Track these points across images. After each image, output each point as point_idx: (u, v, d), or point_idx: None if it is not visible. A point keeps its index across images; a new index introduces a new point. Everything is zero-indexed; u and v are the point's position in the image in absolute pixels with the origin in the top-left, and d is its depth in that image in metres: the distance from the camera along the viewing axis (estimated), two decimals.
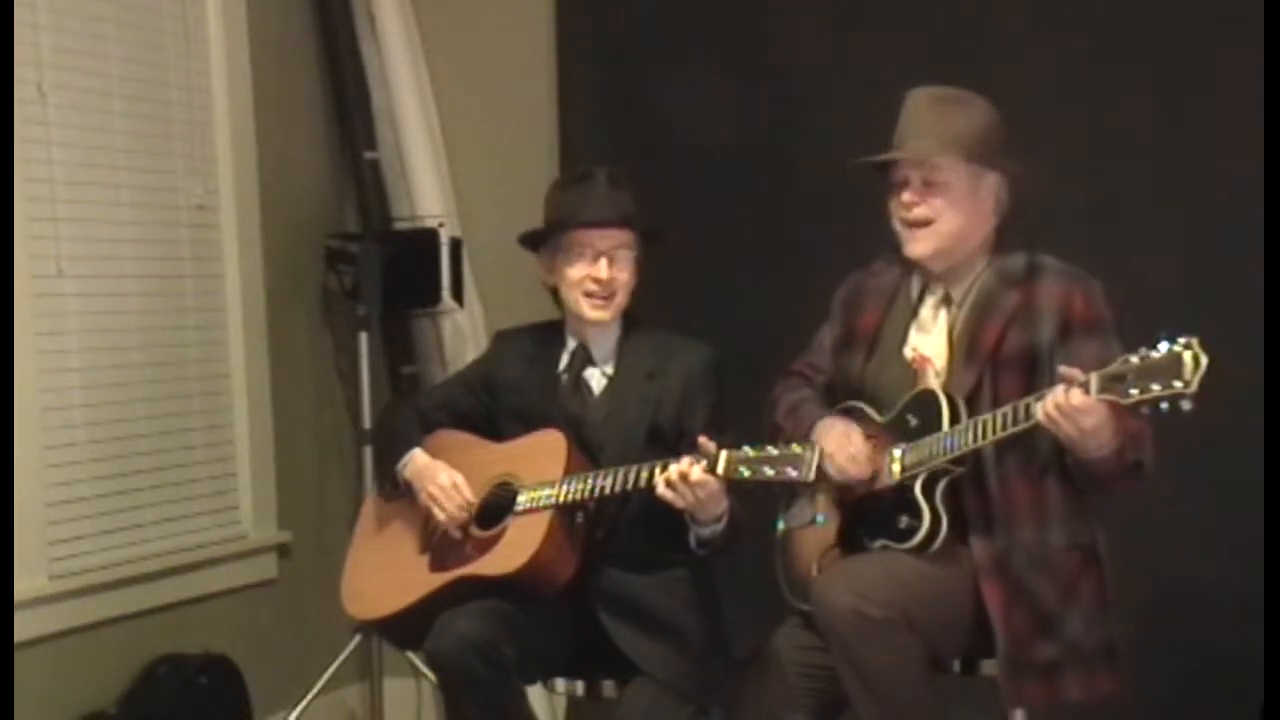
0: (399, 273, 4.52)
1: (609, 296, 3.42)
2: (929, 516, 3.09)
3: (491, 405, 3.58)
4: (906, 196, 3.19)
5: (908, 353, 3.24)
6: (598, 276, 3.40)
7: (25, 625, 3.64)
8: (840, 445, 3.18)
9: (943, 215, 3.17)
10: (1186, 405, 2.75)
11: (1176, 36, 4.06)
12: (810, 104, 4.34)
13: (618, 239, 3.42)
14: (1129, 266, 4.02)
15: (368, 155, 4.77)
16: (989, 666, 3.14)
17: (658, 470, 3.18)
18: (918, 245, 3.20)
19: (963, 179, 3.17)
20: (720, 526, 3.25)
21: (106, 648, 3.98)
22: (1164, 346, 2.78)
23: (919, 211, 3.18)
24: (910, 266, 3.28)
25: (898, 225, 3.23)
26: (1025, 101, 4.13)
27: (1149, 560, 3.86)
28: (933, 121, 3.17)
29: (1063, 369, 2.92)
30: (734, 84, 4.47)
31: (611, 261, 3.41)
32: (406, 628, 3.42)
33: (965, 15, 4.23)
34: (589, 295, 3.42)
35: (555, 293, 3.51)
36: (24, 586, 3.69)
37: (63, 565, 3.86)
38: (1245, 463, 3.46)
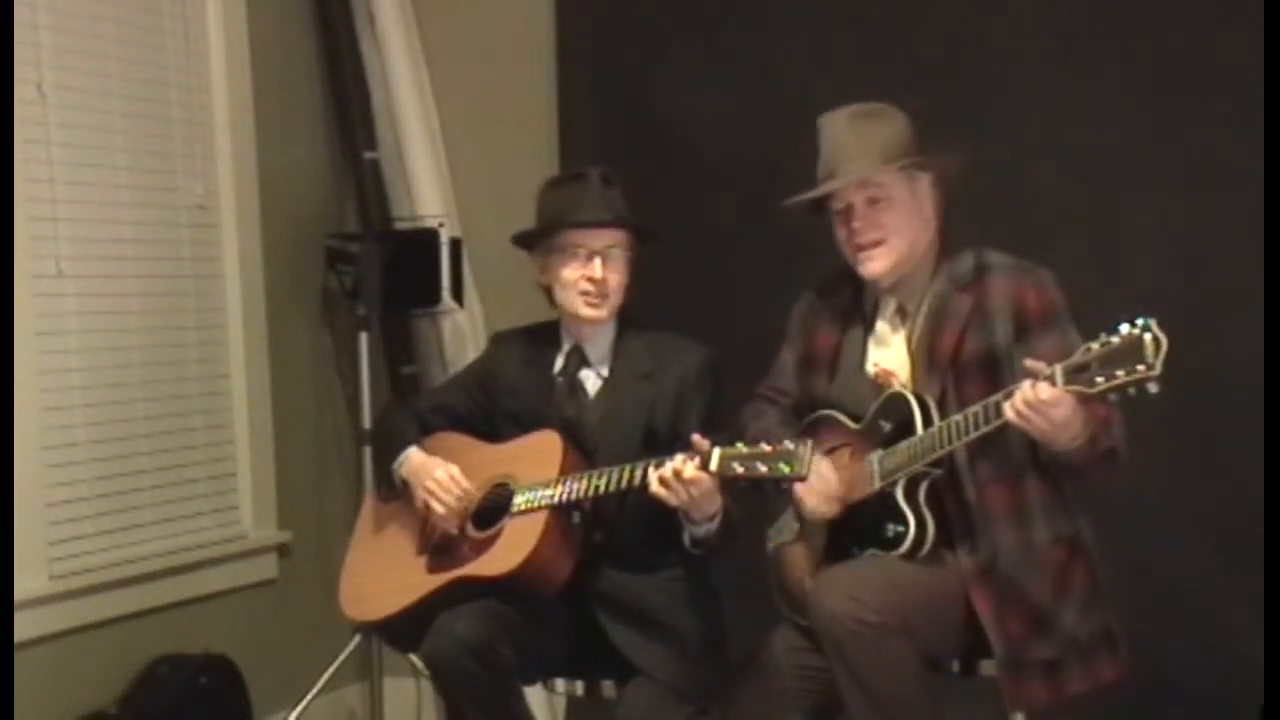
0: (399, 273, 4.53)
1: (604, 296, 3.42)
2: (914, 522, 3.09)
3: (488, 407, 3.58)
4: (856, 223, 3.18)
5: (870, 369, 3.24)
6: (592, 276, 3.40)
7: (25, 625, 3.65)
8: (809, 488, 3.17)
9: (893, 231, 3.17)
10: (1153, 388, 2.75)
11: (1177, 34, 4.06)
12: (809, 104, 4.32)
13: (612, 239, 3.42)
14: (1129, 266, 4.03)
15: (368, 155, 4.77)
16: (988, 666, 3.13)
17: (651, 469, 3.18)
18: (875, 264, 3.19)
19: (902, 189, 3.17)
20: (714, 525, 3.25)
21: (106, 648, 3.99)
22: (1123, 330, 2.78)
23: (871, 235, 3.17)
24: (860, 282, 3.27)
25: (848, 251, 3.22)
26: (1025, 103, 4.15)
27: (1148, 559, 3.87)
28: (857, 141, 3.17)
29: (1027, 363, 2.92)
30: (733, 85, 4.47)
31: (606, 261, 3.41)
32: (405, 629, 3.42)
33: (965, 17, 4.23)
34: (584, 295, 3.42)
35: (549, 293, 3.51)
36: (24, 586, 3.70)
37: (63, 565, 3.87)
38: (1245, 461, 3.46)
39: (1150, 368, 2.74)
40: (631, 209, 3.48)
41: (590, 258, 3.41)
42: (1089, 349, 2.84)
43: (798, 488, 3.17)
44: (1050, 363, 2.90)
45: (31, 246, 3.79)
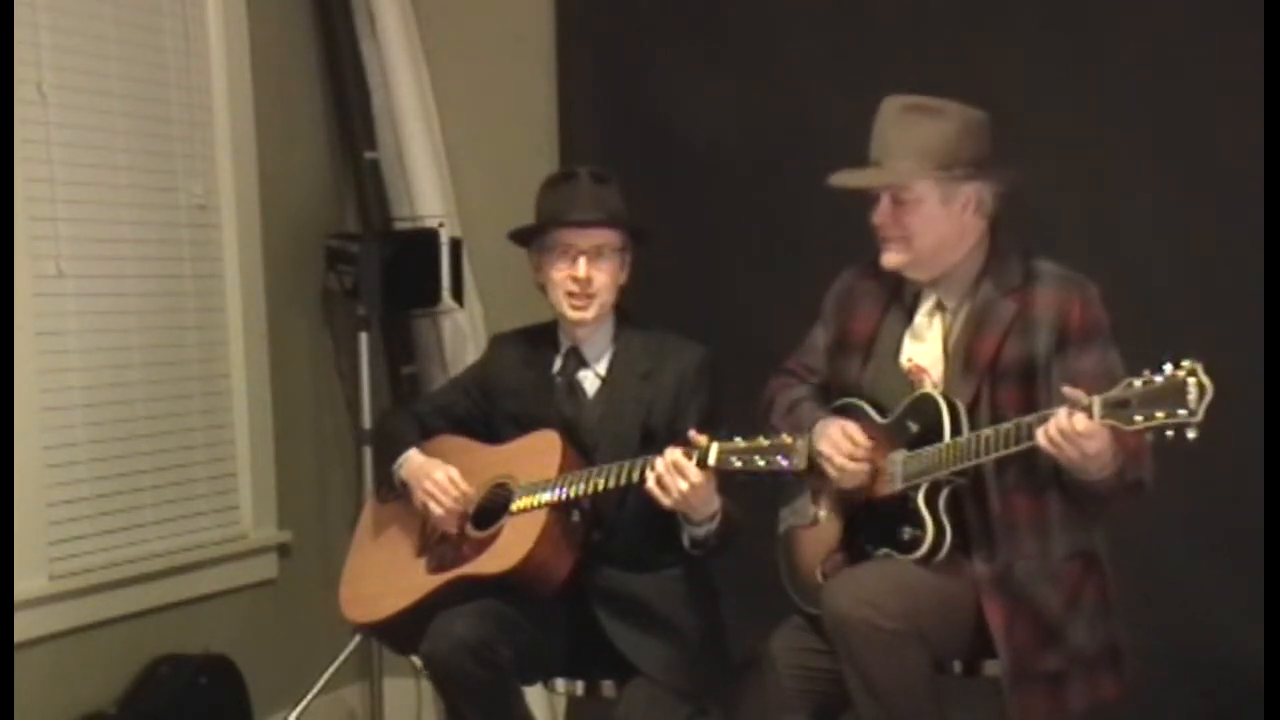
0: (399, 273, 4.52)
1: (589, 297, 3.42)
2: (932, 529, 3.07)
3: (488, 409, 3.58)
4: (878, 219, 3.17)
5: (904, 363, 3.21)
6: (576, 275, 3.40)
7: (25, 625, 3.65)
8: (837, 445, 3.15)
9: (915, 232, 3.14)
10: (1192, 434, 2.71)
11: (1177, 35, 4.06)
12: (809, 103, 4.34)
13: (599, 239, 3.41)
14: (1129, 268, 4.02)
15: (368, 155, 4.77)
16: (990, 667, 3.13)
17: (649, 467, 3.18)
18: (890, 257, 3.18)
19: (934, 193, 3.12)
20: (713, 525, 3.25)
21: (106, 648, 3.99)
22: (1167, 369, 2.74)
23: (890, 231, 3.16)
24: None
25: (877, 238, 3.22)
26: (1025, 102, 4.14)
27: (1149, 561, 3.86)
28: (899, 136, 3.13)
29: (1066, 390, 2.87)
30: (733, 84, 4.47)
31: (593, 261, 3.40)
32: (405, 630, 3.42)
33: (965, 15, 4.23)
34: (569, 295, 3.42)
35: (546, 291, 3.51)
36: (24, 586, 3.70)
37: (63, 565, 3.87)
38: (1245, 463, 3.46)
39: (1192, 413, 2.70)
40: (631, 208, 3.47)
41: (576, 257, 3.40)
42: (1130, 384, 2.79)
43: (825, 448, 3.14)
44: (1086, 381, 2.87)
45: (31, 246, 3.79)
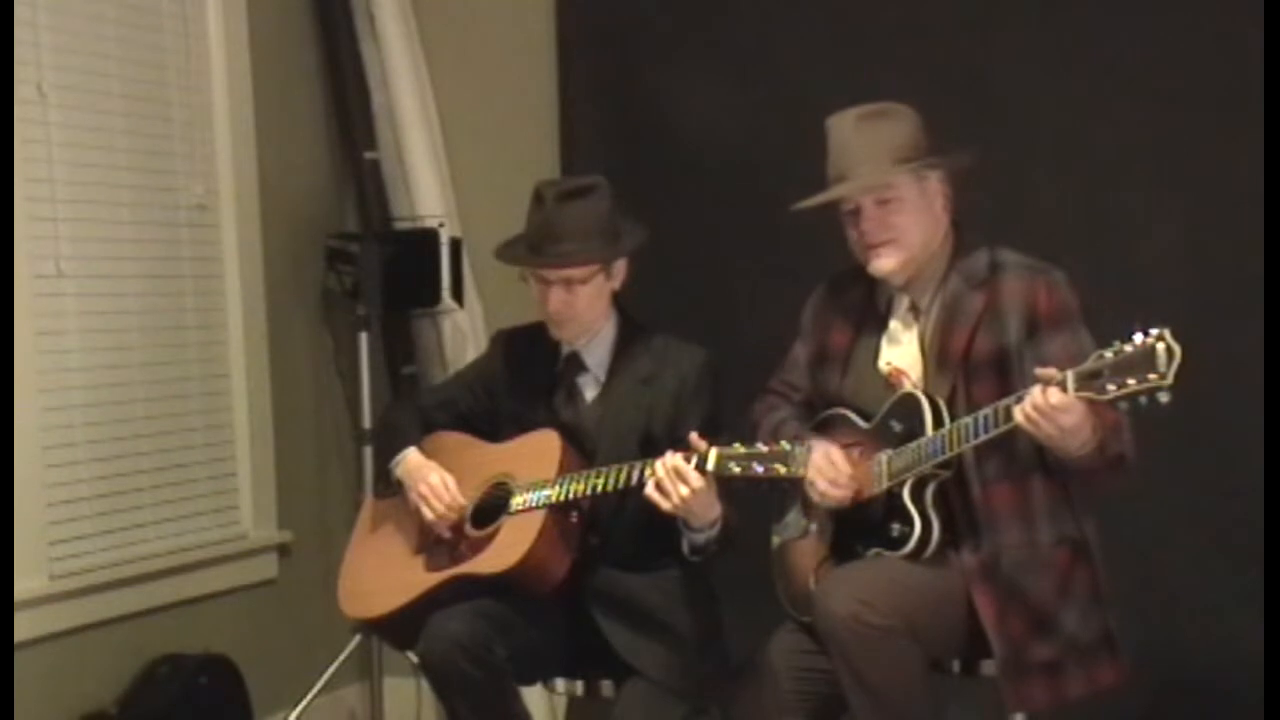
0: (399, 273, 4.53)
1: (565, 320, 3.42)
2: (919, 523, 3.08)
3: (490, 406, 3.58)
4: (865, 225, 3.17)
5: (882, 367, 3.23)
6: (547, 306, 3.41)
7: (25, 625, 3.65)
8: (820, 470, 3.16)
9: (903, 230, 3.16)
10: (1165, 398, 2.74)
11: (1177, 31, 4.06)
12: (810, 103, 4.31)
13: (564, 271, 3.38)
14: (1129, 266, 4.03)
15: (368, 155, 4.77)
16: (989, 667, 3.13)
17: (647, 469, 3.18)
18: (884, 262, 3.17)
19: (912, 189, 3.16)
20: (714, 532, 3.25)
21: (106, 648, 3.99)
22: (1136, 338, 2.77)
23: (881, 235, 3.16)
24: (874, 279, 3.25)
25: (859, 251, 3.21)
26: (1024, 102, 4.15)
27: (1148, 559, 3.87)
28: (865, 143, 3.15)
29: (1039, 370, 2.90)
30: (734, 85, 4.46)
31: (564, 289, 3.39)
32: (402, 628, 3.42)
33: (965, 18, 4.23)
34: (551, 322, 3.44)
35: None
36: (24, 586, 3.70)
37: (63, 565, 3.87)
38: (1245, 461, 3.46)
39: (1162, 377, 2.73)
40: (630, 209, 3.46)
41: (546, 285, 3.40)
42: (1101, 355, 2.82)
43: (808, 472, 3.15)
44: (1058, 363, 2.89)
45: (31, 246, 3.79)
